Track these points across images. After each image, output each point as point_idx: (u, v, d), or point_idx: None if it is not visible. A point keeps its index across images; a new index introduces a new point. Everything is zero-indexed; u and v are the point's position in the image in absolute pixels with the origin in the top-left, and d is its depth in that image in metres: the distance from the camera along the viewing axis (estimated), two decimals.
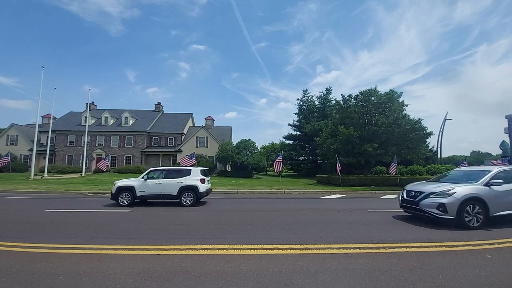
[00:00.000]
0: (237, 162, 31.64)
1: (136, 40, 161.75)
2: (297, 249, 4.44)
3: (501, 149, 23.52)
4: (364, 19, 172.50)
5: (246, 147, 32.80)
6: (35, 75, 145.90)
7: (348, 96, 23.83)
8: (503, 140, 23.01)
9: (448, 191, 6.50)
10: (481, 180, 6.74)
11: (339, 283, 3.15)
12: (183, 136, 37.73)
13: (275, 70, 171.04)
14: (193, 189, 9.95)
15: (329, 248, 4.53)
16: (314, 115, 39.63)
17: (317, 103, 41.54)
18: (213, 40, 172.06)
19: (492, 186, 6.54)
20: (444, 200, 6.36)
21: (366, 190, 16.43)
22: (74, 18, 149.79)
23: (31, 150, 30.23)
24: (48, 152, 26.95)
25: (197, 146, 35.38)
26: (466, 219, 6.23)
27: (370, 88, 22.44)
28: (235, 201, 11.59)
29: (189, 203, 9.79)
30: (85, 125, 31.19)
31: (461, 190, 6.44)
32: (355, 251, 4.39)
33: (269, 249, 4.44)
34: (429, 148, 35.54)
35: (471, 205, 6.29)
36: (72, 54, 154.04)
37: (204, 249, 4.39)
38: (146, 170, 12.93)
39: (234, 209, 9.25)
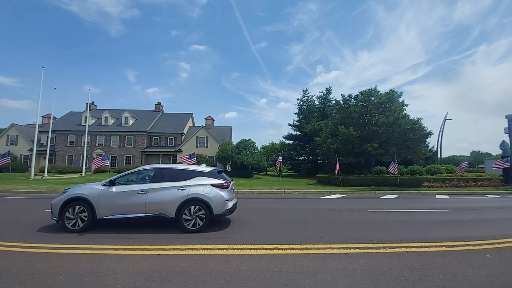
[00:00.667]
0: (237, 162, 31.63)
1: (136, 40, 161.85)
2: (297, 249, 4.44)
3: (501, 149, 23.55)
4: (364, 19, 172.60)
5: (246, 147, 32.79)
6: (35, 75, 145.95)
7: (348, 96, 23.82)
8: (503, 140, 23.05)
9: (65, 190, 5.99)
10: (108, 179, 6.11)
11: (339, 283, 3.14)
12: (183, 136, 37.74)
13: (275, 70, 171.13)
14: None
15: (329, 248, 4.53)
16: (314, 115, 39.60)
17: (317, 103, 41.51)
18: (213, 40, 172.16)
19: (112, 186, 5.84)
20: (54, 200, 5.79)
21: (366, 190, 16.42)
22: (74, 18, 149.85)
23: (31, 150, 30.22)
24: (48, 152, 26.94)
25: (197, 146, 35.39)
26: (67, 221, 5.55)
27: (370, 88, 22.45)
28: None
29: None
30: (85, 125, 31.19)
31: (72, 189, 5.92)
32: (355, 251, 4.39)
33: (269, 249, 4.43)
34: (429, 148, 35.55)
35: (75, 206, 5.59)
36: (72, 54, 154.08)
37: (204, 249, 4.39)
38: None
39: None
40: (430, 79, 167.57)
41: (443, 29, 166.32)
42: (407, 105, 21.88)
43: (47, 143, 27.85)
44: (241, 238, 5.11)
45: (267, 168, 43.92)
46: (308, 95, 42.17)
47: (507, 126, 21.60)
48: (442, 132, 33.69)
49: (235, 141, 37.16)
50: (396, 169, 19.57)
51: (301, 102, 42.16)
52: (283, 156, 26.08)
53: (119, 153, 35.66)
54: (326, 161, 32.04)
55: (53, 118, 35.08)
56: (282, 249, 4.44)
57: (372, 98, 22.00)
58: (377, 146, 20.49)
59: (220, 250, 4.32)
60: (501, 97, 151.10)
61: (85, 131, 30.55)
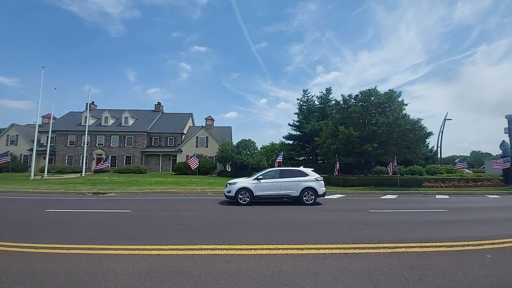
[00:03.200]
0: (237, 162, 31.63)
1: (136, 40, 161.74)
2: (297, 249, 4.44)
3: (501, 149, 23.53)
4: (364, 19, 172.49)
5: (246, 147, 32.78)
6: (35, 75, 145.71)
7: (348, 96, 23.82)
8: (503, 140, 23.04)
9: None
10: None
11: (339, 283, 3.14)
12: (183, 136, 37.73)
13: (275, 70, 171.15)
14: None
15: (329, 248, 4.52)
16: (314, 115, 39.55)
17: (317, 103, 41.46)
18: (213, 40, 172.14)
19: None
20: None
21: (366, 190, 16.43)
22: (74, 19, 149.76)
23: (31, 150, 30.21)
24: (48, 152, 26.94)
25: (197, 146, 35.37)
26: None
27: (370, 88, 22.44)
28: None
29: None
30: (85, 125, 31.19)
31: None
32: (355, 251, 4.39)
33: (269, 249, 4.43)
34: (429, 148, 35.51)
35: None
36: (72, 54, 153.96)
37: (204, 249, 4.39)
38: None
39: (234, 209, 9.24)
40: (430, 79, 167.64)
41: (443, 29, 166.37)
42: (406, 105, 21.88)
43: (47, 143, 27.85)
44: (241, 238, 5.11)
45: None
46: (308, 95, 42.12)
47: (507, 126, 21.60)
48: (442, 132, 33.69)
49: (235, 141, 37.16)
50: (393, 169, 19.57)
51: (301, 102, 42.11)
52: (283, 156, 26.05)
53: (119, 153, 35.65)
54: (326, 161, 32.02)
55: (53, 118, 35.09)
56: (282, 249, 4.44)
57: (372, 98, 21.99)
58: (377, 146, 20.48)
59: (220, 250, 4.32)
60: (501, 97, 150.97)
61: (85, 131, 30.55)
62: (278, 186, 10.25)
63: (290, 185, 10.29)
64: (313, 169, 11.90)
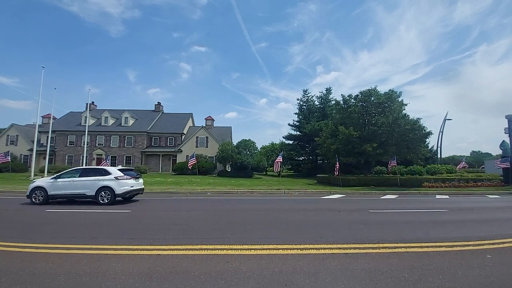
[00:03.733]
0: (237, 162, 31.64)
1: (136, 40, 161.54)
2: (297, 249, 4.43)
3: (501, 149, 23.54)
4: (364, 19, 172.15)
5: (246, 147, 32.80)
6: (35, 75, 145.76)
7: (348, 96, 23.85)
8: (503, 140, 23.04)
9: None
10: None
11: (339, 283, 3.14)
12: (183, 136, 37.74)
13: (275, 70, 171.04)
14: None
15: (329, 248, 4.52)
16: (314, 115, 39.60)
17: (317, 103, 41.53)
18: (213, 40, 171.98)
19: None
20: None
21: (366, 190, 16.44)
22: (74, 19, 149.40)
23: (31, 150, 30.19)
24: (48, 152, 26.93)
25: (197, 146, 35.38)
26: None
27: (370, 88, 22.49)
28: (235, 201, 11.59)
29: None
30: (85, 125, 31.18)
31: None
32: (355, 251, 4.38)
33: (269, 249, 4.43)
34: (429, 148, 35.52)
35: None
36: (72, 54, 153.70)
37: (204, 249, 4.39)
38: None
39: (234, 209, 9.25)
40: (430, 79, 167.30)
41: (443, 29, 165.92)
42: (406, 105, 21.92)
43: (47, 143, 27.85)
44: (241, 238, 5.11)
45: (267, 168, 43.93)
46: (308, 95, 42.19)
47: (507, 126, 21.60)
48: (442, 132, 33.70)
49: (235, 141, 37.20)
50: (391, 168, 19.60)
51: (301, 102, 42.16)
52: (283, 156, 26.08)
53: (119, 153, 35.65)
54: (326, 161, 32.04)
55: (53, 118, 35.07)
56: (282, 249, 4.44)
57: (372, 98, 22.02)
58: (377, 146, 20.50)
59: (220, 250, 4.32)
60: (501, 97, 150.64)
61: (85, 131, 30.55)
62: (74, 185, 9.92)
63: (85, 184, 9.91)
64: (133, 168, 12.10)
